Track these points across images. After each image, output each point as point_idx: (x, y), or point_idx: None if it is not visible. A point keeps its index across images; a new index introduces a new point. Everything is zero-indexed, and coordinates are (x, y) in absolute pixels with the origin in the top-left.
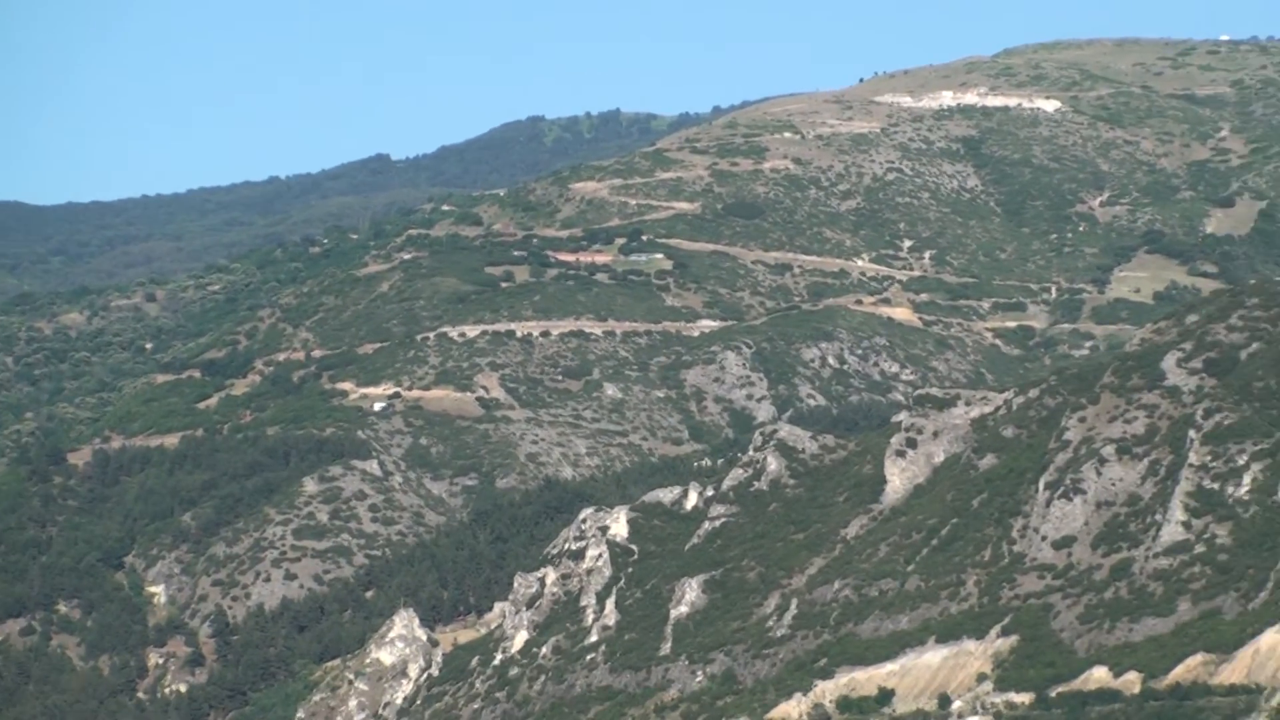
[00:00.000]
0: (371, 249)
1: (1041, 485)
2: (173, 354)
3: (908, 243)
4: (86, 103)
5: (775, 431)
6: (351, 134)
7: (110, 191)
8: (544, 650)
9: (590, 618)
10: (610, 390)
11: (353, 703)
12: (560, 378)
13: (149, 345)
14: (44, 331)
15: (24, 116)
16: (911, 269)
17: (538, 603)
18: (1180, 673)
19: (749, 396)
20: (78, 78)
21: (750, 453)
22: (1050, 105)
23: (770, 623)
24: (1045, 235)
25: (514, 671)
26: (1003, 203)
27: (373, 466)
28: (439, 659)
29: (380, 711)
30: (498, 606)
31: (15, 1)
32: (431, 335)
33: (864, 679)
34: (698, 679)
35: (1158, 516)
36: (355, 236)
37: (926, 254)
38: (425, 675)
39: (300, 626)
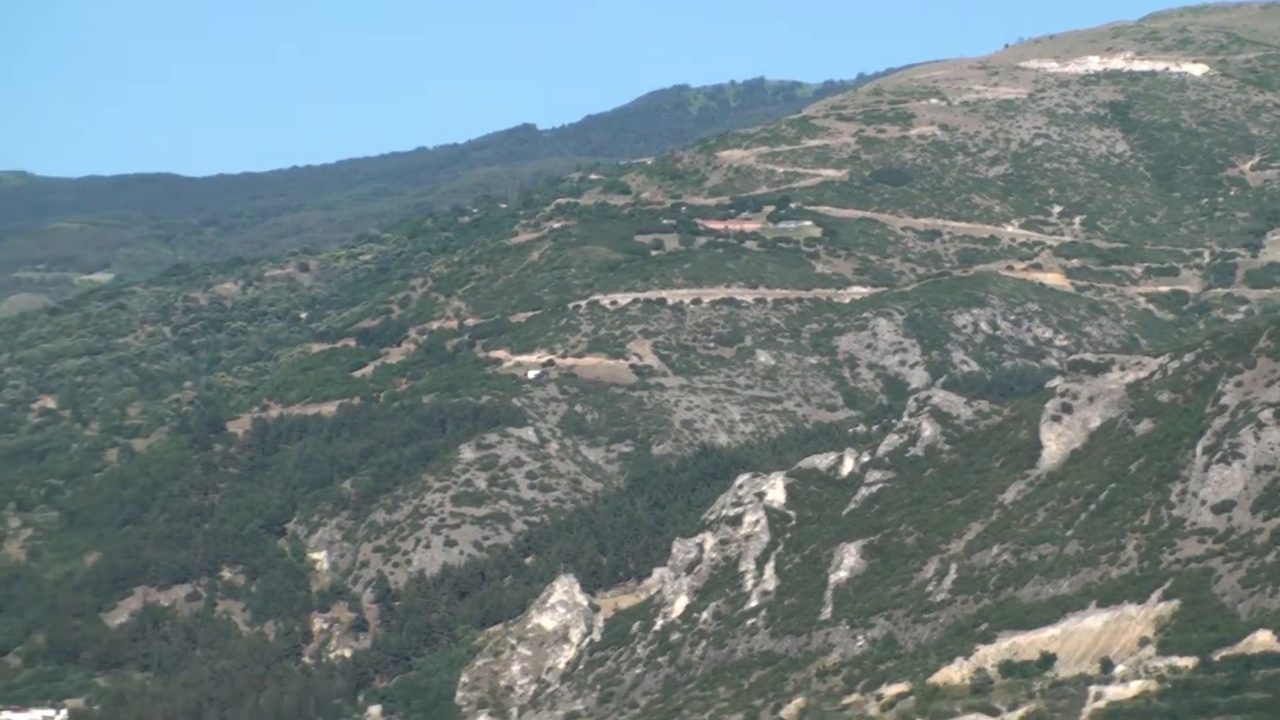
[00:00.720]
0: (521, 218)
1: (1199, 450)
2: (327, 323)
3: (1057, 208)
4: (236, 76)
5: (930, 397)
6: (498, 104)
7: (260, 163)
8: (704, 615)
9: (750, 583)
10: (763, 357)
11: (515, 668)
12: (713, 345)
13: (303, 315)
14: (200, 301)
15: (174, 92)
16: (1061, 234)
17: (697, 568)
18: None
19: (902, 363)
20: (230, 55)
21: (905, 419)
22: (1198, 69)
23: (930, 587)
24: (1196, 200)
25: (675, 636)
26: (1152, 168)
27: (529, 434)
28: (600, 624)
29: (543, 676)
30: (657, 572)
31: None
32: (583, 303)
33: (1025, 643)
34: (859, 643)
35: None
36: (504, 206)
37: (1076, 219)
38: (587, 640)
39: (461, 592)
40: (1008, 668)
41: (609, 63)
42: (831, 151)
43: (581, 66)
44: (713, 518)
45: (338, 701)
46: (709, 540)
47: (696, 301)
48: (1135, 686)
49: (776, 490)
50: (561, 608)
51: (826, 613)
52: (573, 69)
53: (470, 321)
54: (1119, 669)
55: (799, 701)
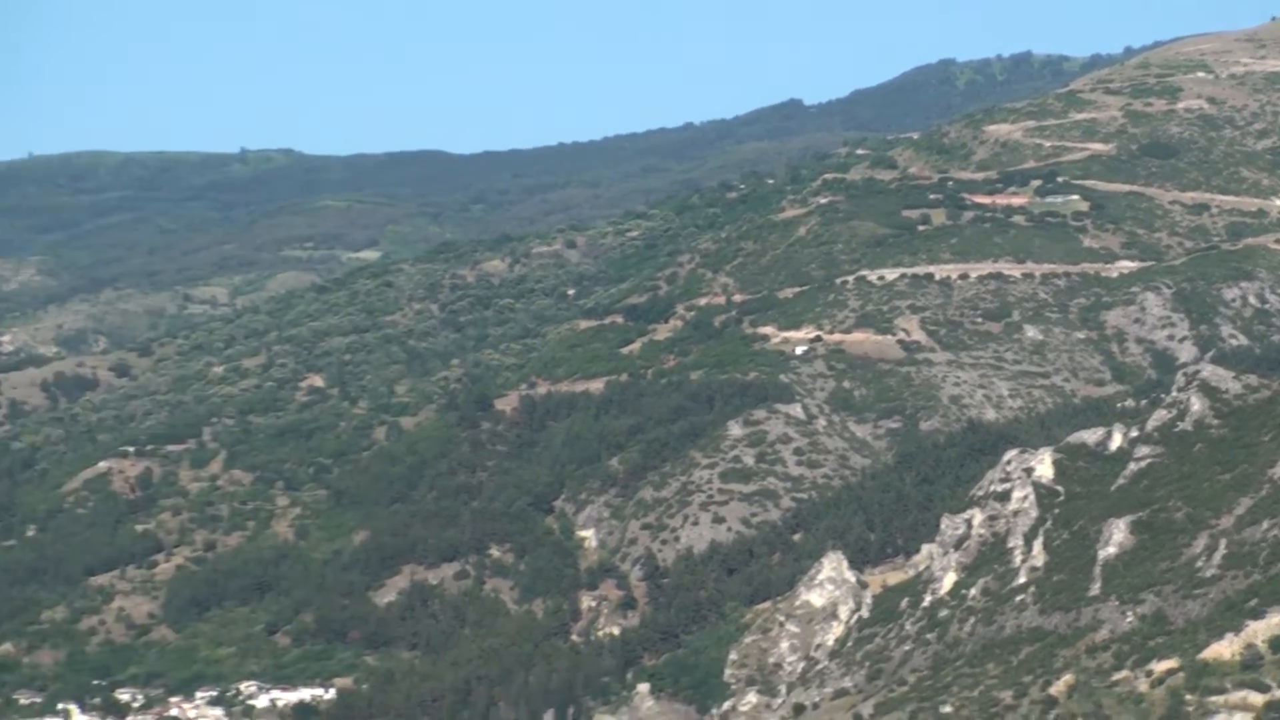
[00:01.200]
0: (788, 193)
1: None
2: (595, 300)
3: None
4: (503, 54)
5: (1198, 372)
6: (764, 80)
7: (527, 140)
8: (973, 592)
9: (1018, 559)
10: (1031, 332)
11: (784, 644)
12: (980, 320)
13: (571, 291)
14: (467, 279)
15: (442, 70)
16: None
17: (965, 544)
18: None
19: (1170, 337)
20: (498, 34)
21: (1173, 393)
22: None
23: (1199, 563)
24: None
25: (943, 613)
26: None
27: (796, 410)
28: (868, 601)
29: (811, 653)
30: (925, 548)
31: None
32: (850, 279)
33: None
34: (1128, 619)
35: None
36: (771, 181)
37: None
38: (855, 617)
39: (730, 569)
40: (1278, 644)
41: (875, 38)
42: (1098, 125)
43: (848, 41)
44: (981, 493)
45: (606, 679)
46: (977, 516)
47: (964, 277)
48: None
49: (1044, 466)
50: (830, 584)
51: (1095, 589)
52: (839, 44)
53: (738, 297)
54: None
55: (1068, 678)
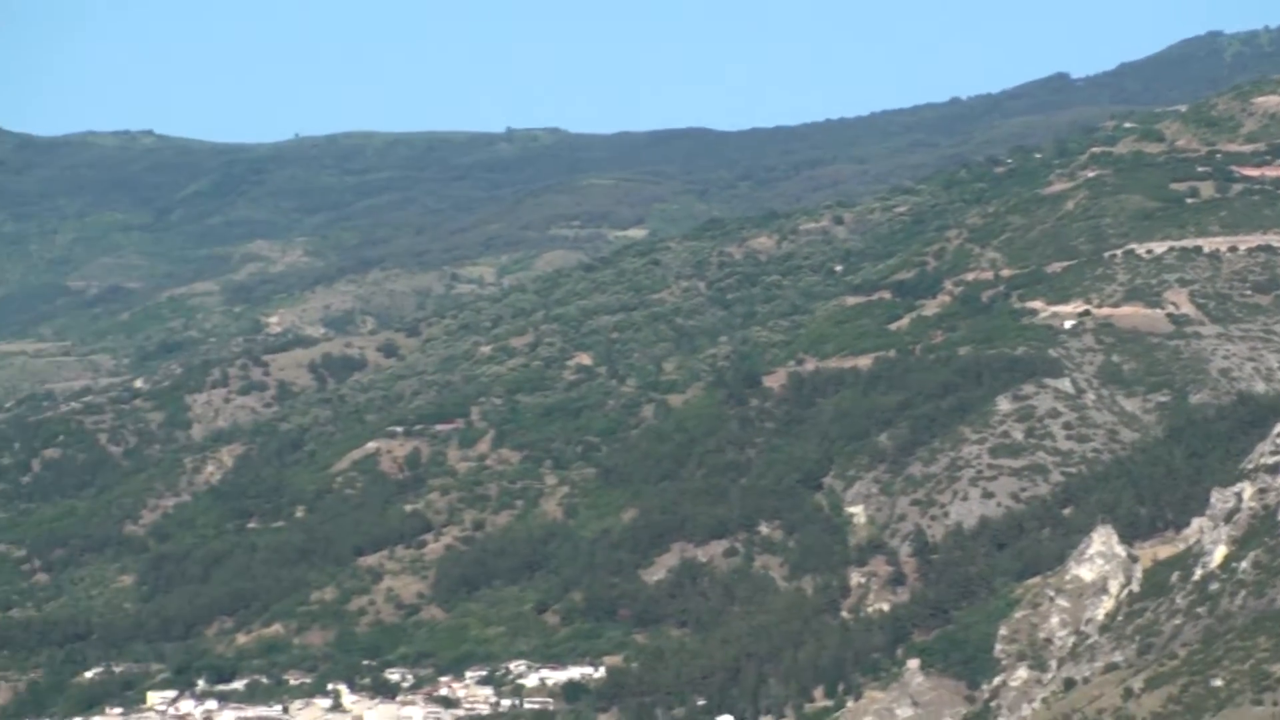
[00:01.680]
0: (1055, 167)
1: None
2: (862, 276)
3: None
4: (768, 32)
5: None
6: (1030, 53)
7: (793, 116)
8: (1243, 565)
9: None
10: None
11: (1054, 619)
12: (1249, 292)
13: (838, 268)
14: (734, 256)
15: (703, 45)
16: None
17: (1235, 517)
18: None
19: None
20: (756, 7)
21: None
22: None
23: None
24: None
25: (1214, 586)
26: None
27: (1065, 384)
28: (1138, 575)
29: (1081, 628)
30: (1195, 522)
31: None
32: (1119, 252)
33: None
34: None
35: None
36: (1039, 155)
37: None
38: (1125, 591)
39: (999, 544)
40: None
41: (1142, 10)
42: None
43: (1114, 14)
44: (1250, 466)
45: (876, 655)
46: (1247, 489)
47: (1233, 249)
48: None
49: None
50: (1100, 559)
51: None
52: (1105, 17)
53: (1005, 272)
54: None
55: None
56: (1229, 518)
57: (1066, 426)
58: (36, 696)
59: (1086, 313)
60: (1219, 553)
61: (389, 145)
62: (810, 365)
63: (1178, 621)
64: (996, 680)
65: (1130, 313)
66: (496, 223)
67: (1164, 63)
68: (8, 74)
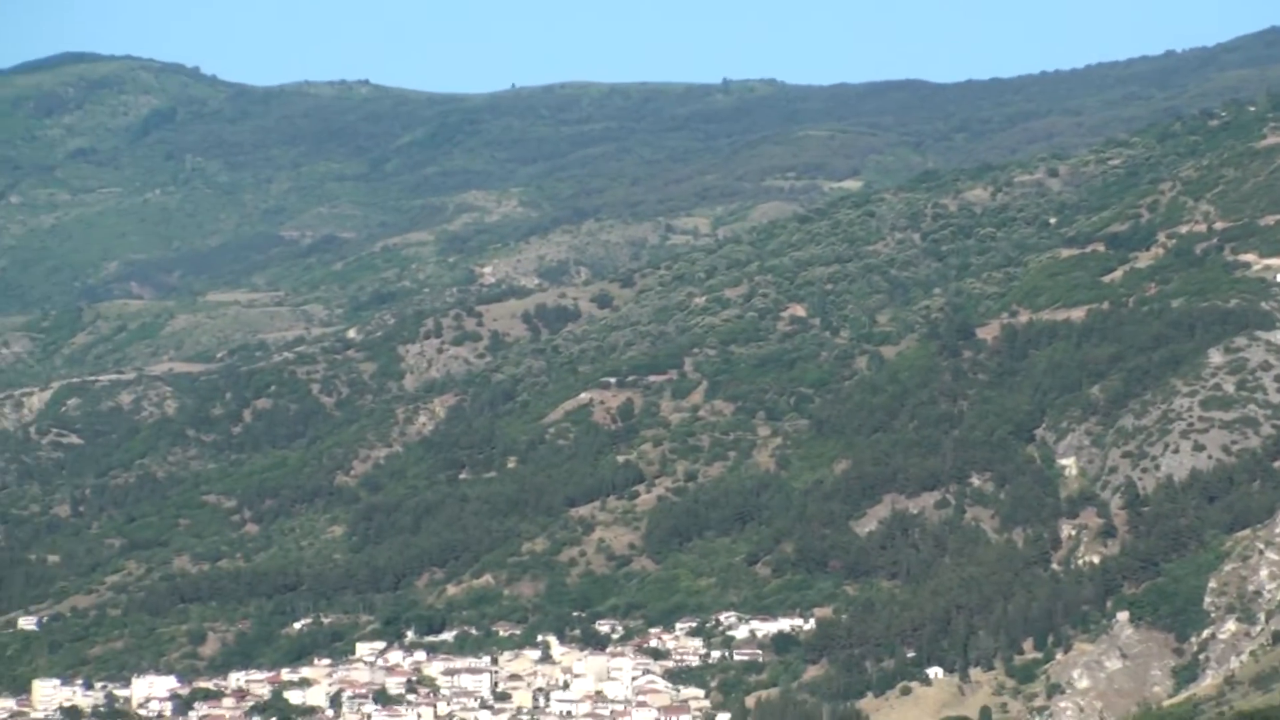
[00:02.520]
0: (1269, 121)
1: None
2: (1076, 228)
3: None
4: None
5: None
6: (1244, 6)
7: (1008, 68)
8: None
9: None
10: None
11: (1263, 573)
12: None
13: (1052, 220)
14: (949, 208)
15: None
16: None
17: None
18: None
19: None
20: None
21: None
22: None
23: None
24: None
25: None
26: None
27: (1277, 337)
28: None
29: None
30: None
31: None
32: None
33: None
34: None
35: None
36: (1252, 109)
37: None
38: None
39: (1210, 497)
40: None
41: None
42: None
43: None
44: None
45: (1086, 608)
46: None
47: None
48: None
49: None
50: None
51: None
52: None
53: (1219, 225)
54: None
55: None
56: None
57: (1278, 379)
58: (245, 647)
59: None
60: None
61: (605, 96)
62: (1024, 317)
63: None
64: (1205, 633)
65: None
66: (711, 174)
67: None
68: (225, 25)
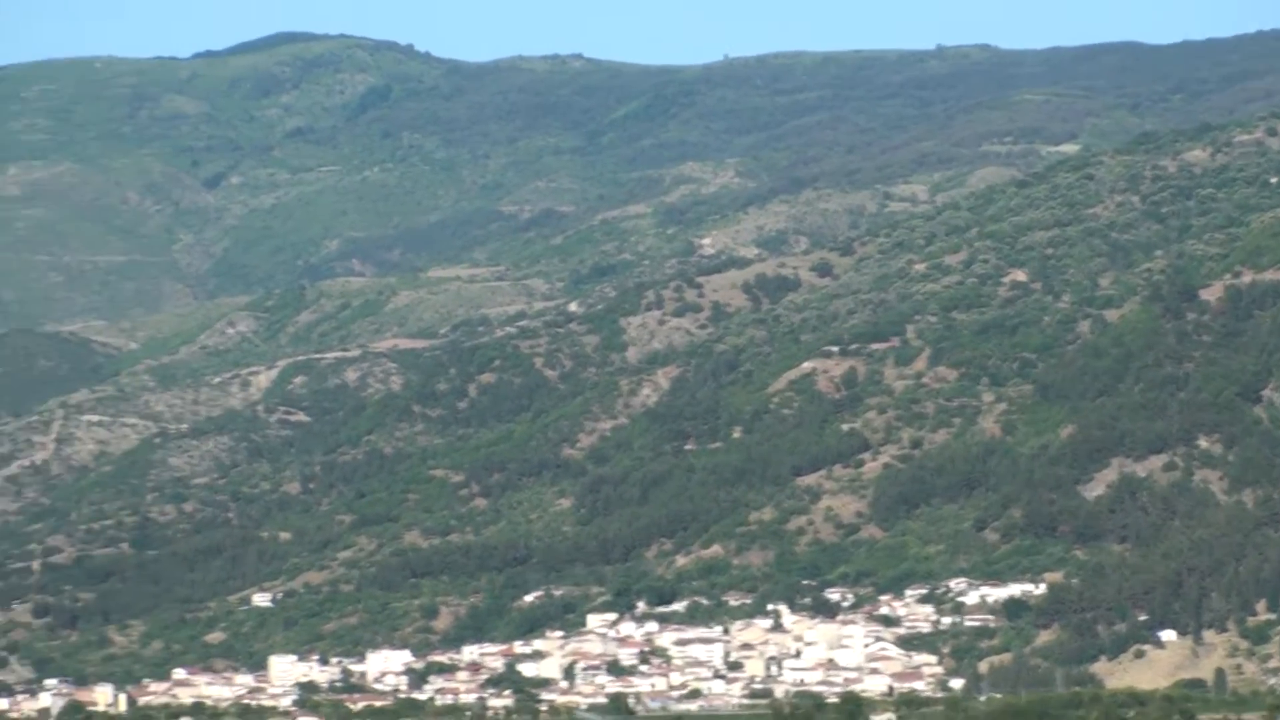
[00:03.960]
0: None
1: None
2: None
3: None
4: None
5: None
6: None
7: (1225, 28)
8: None
9: None
10: None
11: None
12: None
13: (1273, 179)
14: (1168, 169)
15: None
16: None
17: None
18: None
19: None
20: None
21: None
22: None
23: None
24: None
25: None
26: None
27: None
28: None
29: None
30: None
31: None
32: None
33: None
34: None
35: None
36: None
37: None
38: None
39: None
40: None
41: None
42: None
43: None
44: None
45: None
46: None
47: None
48: None
49: None
50: None
51: None
52: None
53: None
54: None
55: None
56: None
57: None
58: (477, 620)
59: None
60: None
61: (819, 65)
62: (1247, 278)
63: None
64: None
65: None
66: (928, 140)
67: None
68: (438, 2)
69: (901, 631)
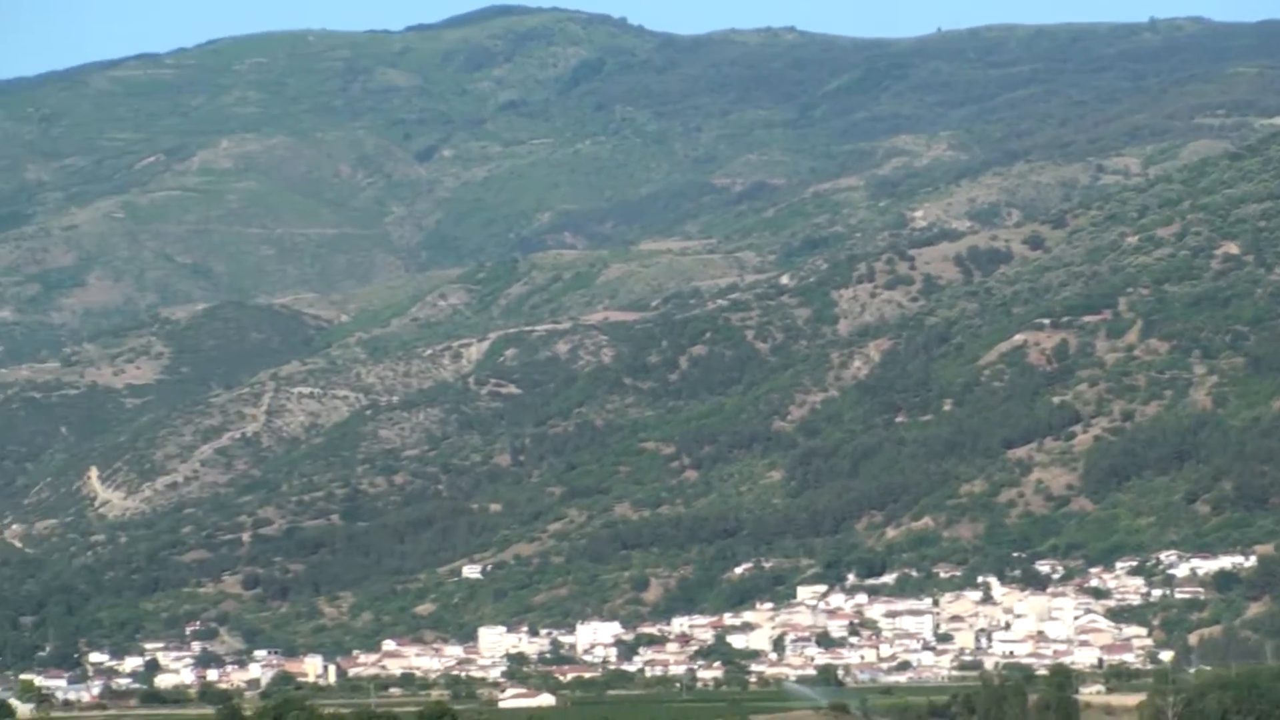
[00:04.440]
0: None
1: None
2: None
3: None
4: None
5: None
6: None
7: None
8: None
9: None
10: None
11: None
12: None
13: None
14: None
15: None
16: None
17: None
18: None
19: None
20: None
21: None
22: None
23: None
24: None
25: None
26: None
27: None
28: None
29: None
30: None
31: None
32: None
33: None
34: None
35: None
36: None
37: None
38: None
39: None
40: None
41: None
42: None
43: None
44: None
45: None
46: None
47: None
48: None
49: None
50: None
51: None
52: None
53: None
54: None
55: None
56: None
57: None
58: (687, 592)
59: None
60: None
61: (1031, 38)
62: None
63: None
64: None
65: None
66: (1140, 113)
67: None
68: None
69: (1111, 604)
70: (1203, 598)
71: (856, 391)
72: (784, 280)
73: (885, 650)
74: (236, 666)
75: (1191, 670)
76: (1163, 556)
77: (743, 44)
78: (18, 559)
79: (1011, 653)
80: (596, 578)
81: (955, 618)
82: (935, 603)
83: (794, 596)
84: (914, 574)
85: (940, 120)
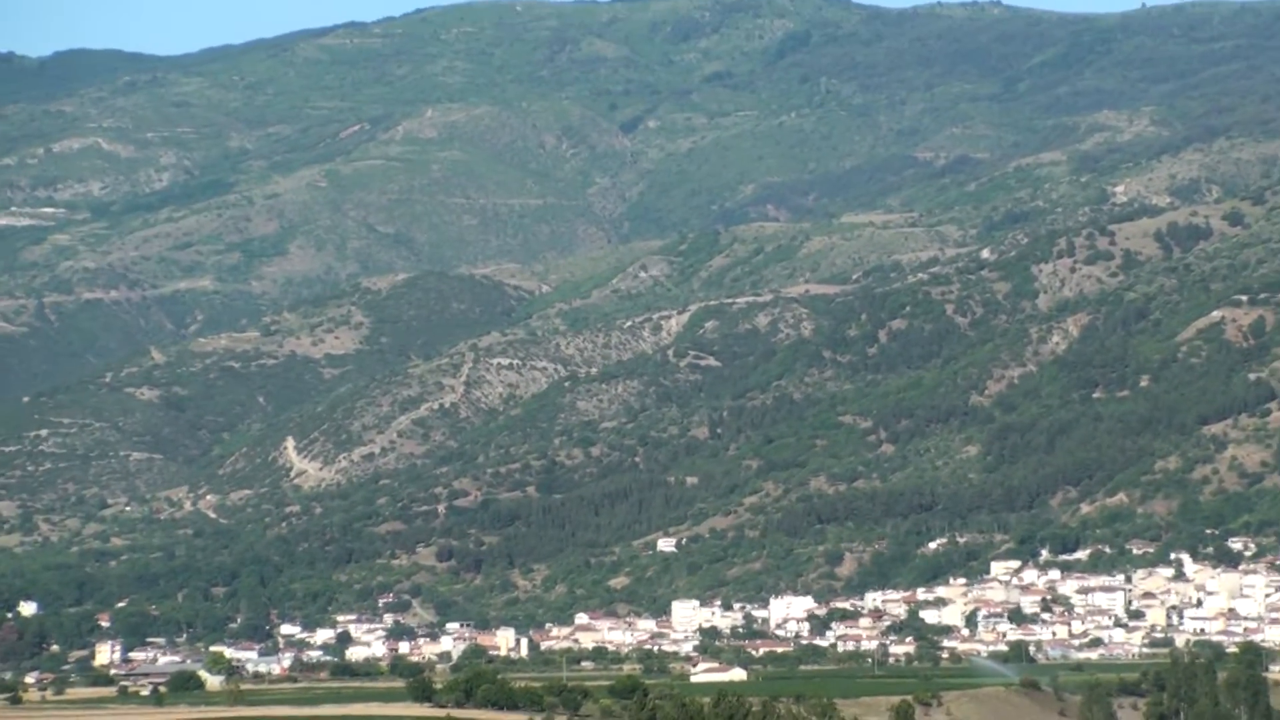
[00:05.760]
0: None
1: None
2: None
3: None
4: None
5: None
6: None
7: None
8: None
9: None
10: None
11: None
12: None
13: None
14: None
15: None
16: None
17: None
18: None
19: None
20: None
21: None
22: None
23: None
24: None
25: None
26: None
27: None
28: None
29: None
30: None
31: None
32: None
33: None
34: None
35: None
36: None
37: None
38: None
39: None
40: None
41: None
42: None
43: None
44: None
45: None
46: None
47: None
48: None
49: None
50: None
51: None
52: None
53: None
54: None
55: None
56: None
57: None
58: (881, 567)
59: None
60: None
61: (1236, 14)
62: None
63: None
64: None
65: None
66: None
67: None
68: None
69: None
70: None
71: (1054, 367)
72: (984, 254)
73: (1077, 627)
74: (428, 639)
75: None
76: None
77: (949, 18)
78: (211, 529)
79: (1202, 630)
80: (791, 552)
81: (1147, 594)
82: (1128, 579)
83: (987, 572)
84: (1107, 550)
85: (1143, 96)
